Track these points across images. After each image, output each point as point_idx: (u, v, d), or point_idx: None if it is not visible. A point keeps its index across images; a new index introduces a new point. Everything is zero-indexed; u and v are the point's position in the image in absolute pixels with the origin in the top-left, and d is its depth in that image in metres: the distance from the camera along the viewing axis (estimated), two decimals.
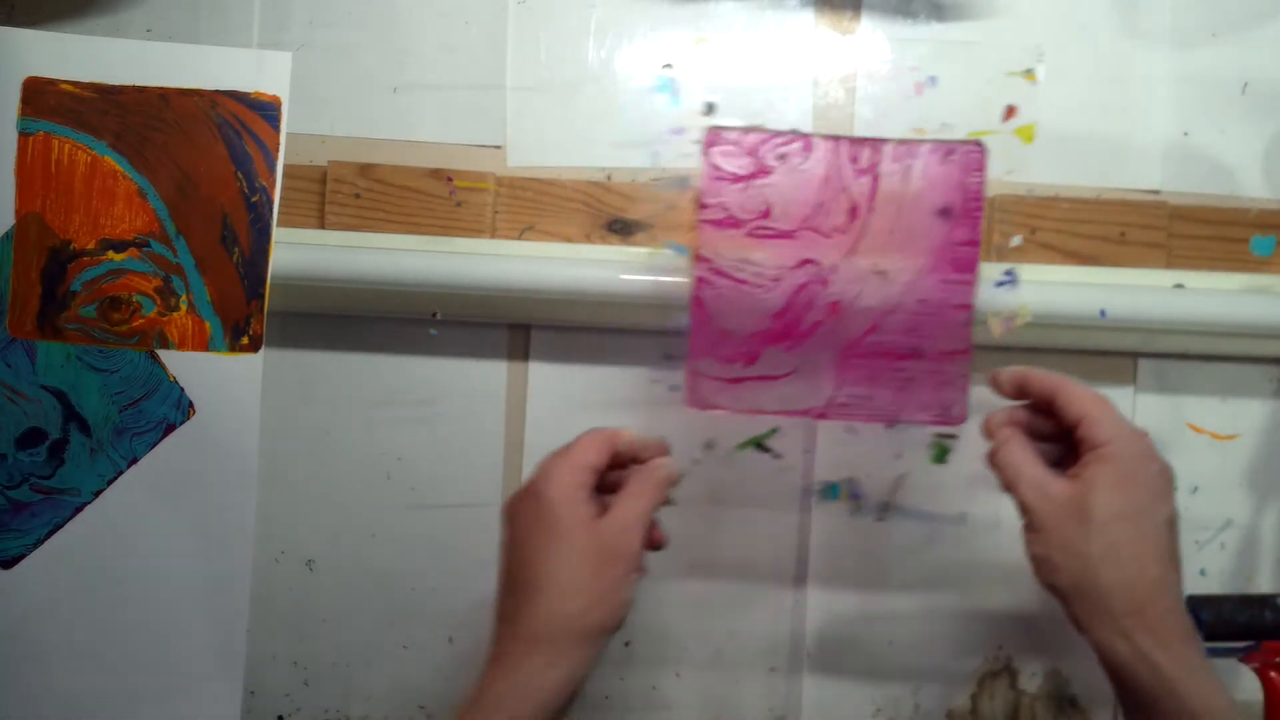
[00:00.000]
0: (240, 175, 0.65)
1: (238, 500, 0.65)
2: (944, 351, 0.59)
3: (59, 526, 0.65)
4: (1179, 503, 0.54)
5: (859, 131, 0.68)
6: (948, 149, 0.58)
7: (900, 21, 0.70)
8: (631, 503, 0.55)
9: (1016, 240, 0.67)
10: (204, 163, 0.65)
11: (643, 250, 0.60)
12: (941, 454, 0.66)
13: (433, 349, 0.71)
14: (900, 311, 0.59)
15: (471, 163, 0.70)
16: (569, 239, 0.69)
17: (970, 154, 0.58)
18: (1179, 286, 0.67)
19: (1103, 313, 0.64)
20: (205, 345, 0.65)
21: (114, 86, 0.65)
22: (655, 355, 0.70)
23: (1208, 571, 0.72)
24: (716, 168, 0.59)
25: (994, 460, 0.55)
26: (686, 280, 0.60)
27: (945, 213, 0.58)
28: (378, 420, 0.71)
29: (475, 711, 0.52)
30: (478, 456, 0.71)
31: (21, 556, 0.65)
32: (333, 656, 0.72)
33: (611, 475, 0.57)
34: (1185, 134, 0.71)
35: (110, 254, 0.65)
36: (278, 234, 0.65)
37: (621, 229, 0.70)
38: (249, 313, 0.65)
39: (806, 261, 0.59)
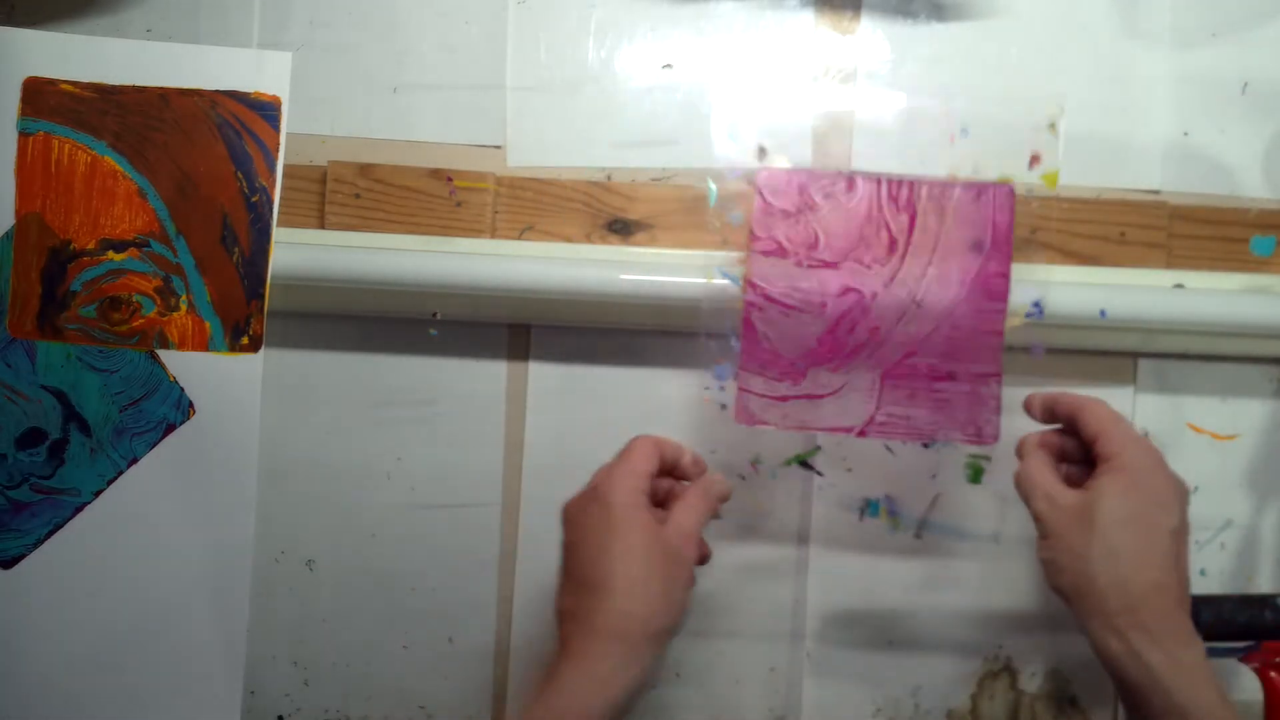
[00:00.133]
0: (240, 175, 0.65)
1: (238, 500, 0.65)
2: (977, 374, 0.63)
3: (59, 526, 0.65)
4: None
5: (861, 137, 0.69)
6: (979, 189, 0.63)
7: (900, 21, 0.70)
8: (690, 513, 0.58)
9: None
10: (204, 163, 0.65)
11: (699, 281, 0.64)
12: (977, 474, 0.68)
13: (433, 349, 0.71)
14: (936, 336, 0.63)
15: (471, 163, 0.70)
16: (569, 239, 0.69)
17: (1000, 194, 0.63)
18: (1179, 286, 0.67)
19: (1103, 313, 0.64)
20: (205, 345, 0.65)
21: (114, 86, 0.65)
22: (656, 356, 0.71)
23: (1208, 571, 0.72)
24: (767, 204, 0.63)
25: (1015, 477, 0.59)
26: (733, 301, 0.64)
27: (977, 246, 0.63)
28: (378, 420, 0.71)
29: (550, 701, 0.53)
30: (478, 456, 0.71)
31: (21, 556, 0.65)
32: (333, 656, 0.72)
33: (656, 482, 0.59)
34: (1185, 134, 0.71)
35: (110, 254, 0.65)
36: (278, 234, 0.65)
37: (621, 229, 0.70)
38: (249, 313, 0.65)
39: (849, 290, 0.63)
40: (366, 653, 0.72)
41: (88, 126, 0.65)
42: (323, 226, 0.69)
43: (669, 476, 0.61)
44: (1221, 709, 0.51)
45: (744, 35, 0.70)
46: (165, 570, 0.66)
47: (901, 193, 0.63)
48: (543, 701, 0.53)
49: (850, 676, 0.72)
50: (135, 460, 0.65)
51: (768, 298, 0.63)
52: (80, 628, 0.65)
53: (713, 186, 0.66)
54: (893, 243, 0.63)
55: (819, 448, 0.70)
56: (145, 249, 0.65)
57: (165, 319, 0.65)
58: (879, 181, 0.64)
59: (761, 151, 0.66)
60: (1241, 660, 0.64)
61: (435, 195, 0.69)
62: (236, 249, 0.65)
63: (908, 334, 0.63)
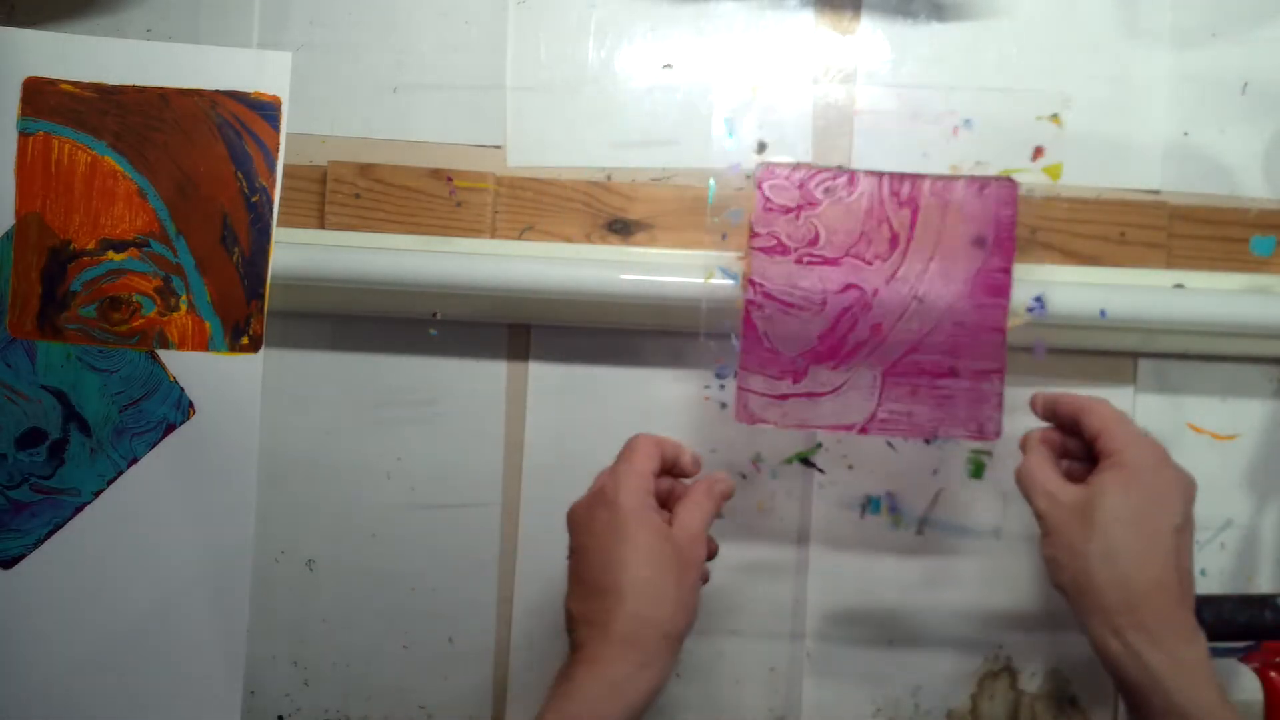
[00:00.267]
0: (240, 175, 0.65)
1: (238, 500, 0.65)
2: (979, 370, 0.63)
3: (59, 526, 0.65)
4: None
5: (861, 136, 0.69)
6: (982, 184, 0.63)
7: (900, 21, 0.70)
8: (696, 512, 0.58)
9: None
10: (204, 163, 0.65)
11: (698, 280, 0.64)
12: (978, 469, 0.68)
13: (433, 349, 0.71)
14: (938, 333, 0.63)
15: (471, 163, 0.70)
16: (569, 239, 0.69)
17: (1003, 189, 0.63)
18: (1179, 286, 0.67)
19: (1103, 313, 0.64)
20: (205, 345, 0.65)
21: (114, 86, 0.65)
22: (656, 356, 0.71)
23: (1208, 571, 0.72)
24: (768, 200, 0.63)
25: (1016, 473, 0.59)
26: (734, 298, 0.63)
27: (980, 242, 0.63)
28: (378, 420, 0.71)
29: (566, 708, 0.53)
30: (478, 456, 0.71)
31: (21, 556, 0.65)
32: (333, 656, 0.72)
33: (656, 482, 0.59)
34: (1185, 134, 0.71)
35: (110, 254, 0.65)
36: (278, 234, 0.65)
37: (621, 229, 0.70)
38: (249, 313, 0.65)
39: (851, 286, 0.63)
40: (366, 653, 0.72)
41: (88, 126, 0.65)
42: (323, 226, 0.69)
43: (668, 475, 0.61)
44: (1222, 709, 0.51)
45: (744, 35, 0.70)
46: (165, 570, 0.66)
47: (903, 188, 0.63)
48: (558, 708, 0.53)
49: (850, 676, 0.72)
50: (135, 460, 0.65)
51: (768, 295, 0.63)
52: (80, 628, 0.65)
53: (712, 184, 0.66)
54: (894, 239, 0.63)
55: (820, 445, 0.70)
56: (145, 249, 0.65)
57: (165, 319, 0.65)
58: (880, 177, 0.63)
59: (761, 147, 0.66)
60: (1241, 660, 0.64)
61: (435, 195, 0.69)
62: (236, 249, 0.65)
63: (909, 330, 0.63)
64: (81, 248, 0.65)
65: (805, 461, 0.70)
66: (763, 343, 0.63)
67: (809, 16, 0.71)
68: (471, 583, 0.72)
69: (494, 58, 0.70)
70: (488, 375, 0.71)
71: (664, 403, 0.70)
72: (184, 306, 0.65)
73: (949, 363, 0.63)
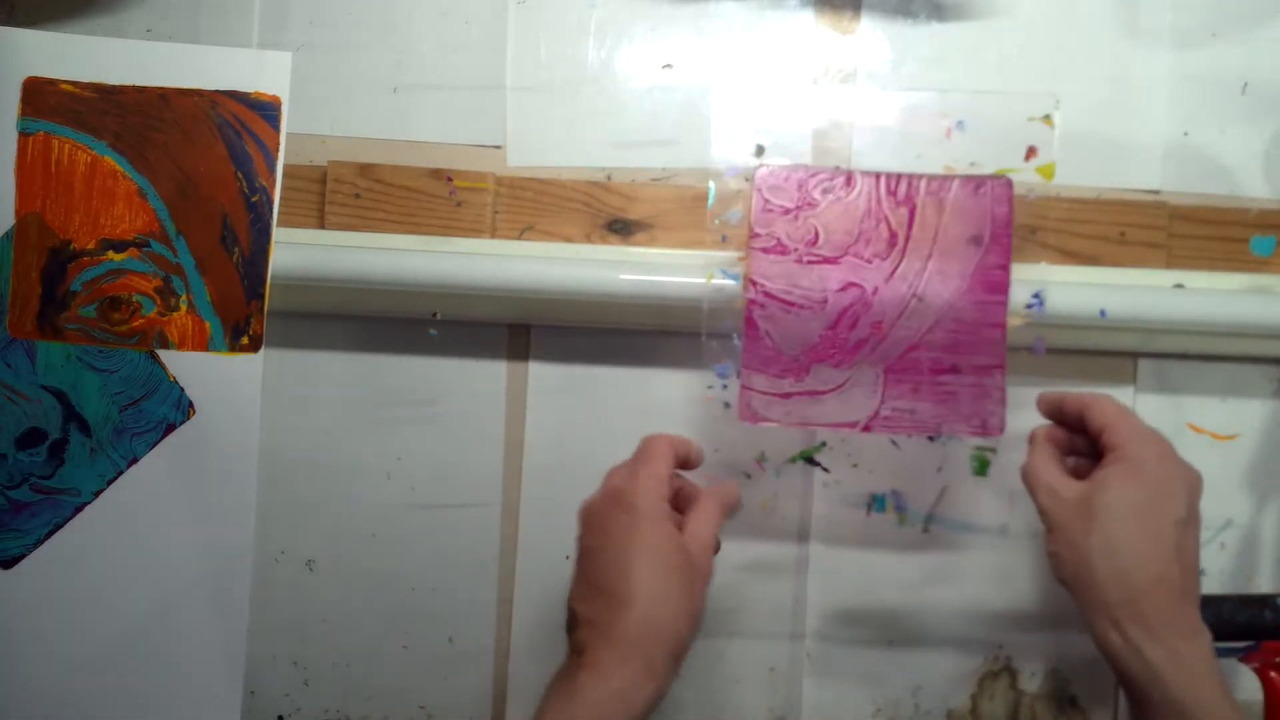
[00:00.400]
0: (240, 175, 0.65)
1: (238, 500, 0.65)
2: (980, 366, 0.63)
3: (59, 526, 0.65)
4: None
5: (861, 136, 0.69)
6: (978, 183, 0.64)
7: (900, 21, 0.71)
8: (708, 524, 0.58)
9: None
10: (204, 163, 0.65)
11: (699, 280, 0.64)
12: (982, 466, 0.68)
13: (433, 349, 0.71)
14: (938, 330, 0.63)
15: (471, 163, 0.70)
16: (569, 239, 0.69)
17: (998, 187, 0.64)
18: (1179, 286, 0.67)
19: (1103, 313, 0.64)
20: (205, 345, 0.65)
21: (114, 86, 0.65)
22: (656, 356, 0.71)
23: (1208, 571, 0.72)
24: (767, 201, 0.64)
25: (1021, 470, 0.59)
26: (736, 299, 0.64)
27: (977, 240, 0.63)
28: (378, 420, 0.71)
29: (570, 711, 0.52)
30: (478, 456, 0.71)
31: (21, 556, 0.65)
32: (333, 656, 0.72)
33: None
34: (1185, 134, 0.71)
35: (110, 254, 0.65)
36: (278, 234, 0.65)
37: (621, 229, 0.70)
38: (249, 313, 0.65)
39: (851, 285, 0.63)
40: (366, 653, 0.72)
41: (88, 126, 0.65)
42: (323, 226, 0.69)
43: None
44: (1222, 705, 0.51)
45: (744, 35, 0.70)
46: (165, 570, 0.66)
47: (900, 187, 0.64)
48: (560, 709, 0.52)
49: (850, 676, 0.72)
50: (135, 460, 0.65)
51: (769, 295, 0.63)
52: (80, 628, 0.65)
53: (712, 186, 0.66)
54: (893, 237, 0.63)
55: (824, 444, 0.70)
56: (145, 249, 0.65)
57: (165, 319, 0.65)
58: (877, 177, 0.64)
59: (760, 150, 0.67)
60: (1241, 660, 0.64)
61: (435, 195, 0.69)
62: (236, 249, 0.65)
63: (910, 328, 0.63)
64: (81, 248, 0.65)
65: (809, 460, 0.70)
66: (764, 342, 0.63)
67: (809, 16, 0.71)
68: (471, 583, 0.72)
69: (494, 58, 0.70)
70: (488, 375, 0.71)
71: (664, 402, 0.70)
72: (184, 306, 0.65)
73: (950, 360, 0.63)
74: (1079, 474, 0.57)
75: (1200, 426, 0.72)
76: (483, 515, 0.71)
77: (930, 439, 0.69)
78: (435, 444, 0.71)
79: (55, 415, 0.65)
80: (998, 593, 0.72)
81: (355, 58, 0.71)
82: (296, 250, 0.65)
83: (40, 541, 0.65)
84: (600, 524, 0.56)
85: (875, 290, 0.63)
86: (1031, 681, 0.72)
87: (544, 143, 0.70)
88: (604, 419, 0.71)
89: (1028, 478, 0.58)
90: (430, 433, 0.71)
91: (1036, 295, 0.63)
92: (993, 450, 0.68)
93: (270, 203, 0.65)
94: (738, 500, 0.61)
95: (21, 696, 0.65)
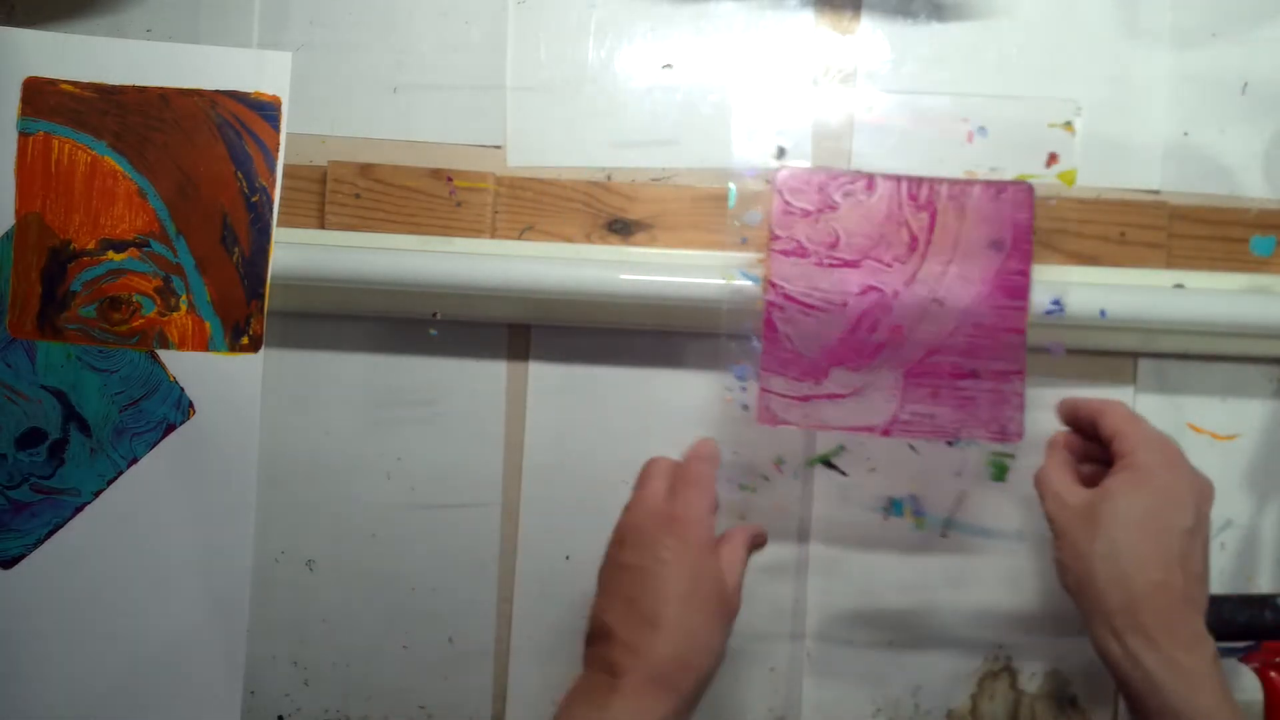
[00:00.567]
0: (240, 175, 0.65)
1: (238, 500, 0.65)
2: (999, 371, 0.63)
3: (59, 526, 0.65)
4: None
5: (861, 136, 0.69)
6: (999, 188, 0.64)
7: (900, 21, 0.70)
8: (738, 556, 0.58)
9: None
10: (204, 163, 0.65)
11: (718, 282, 0.64)
12: (1000, 472, 0.68)
13: (433, 349, 0.71)
14: (958, 335, 0.63)
15: (471, 163, 0.70)
16: (569, 239, 0.69)
17: (1019, 193, 0.63)
18: (1179, 286, 0.67)
19: (1103, 313, 0.64)
20: (205, 345, 0.65)
21: (114, 86, 0.65)
22: (656, 356, 0.71)
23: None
24: (787, 204, 0.64)
25: (1034, 478, 0.59)
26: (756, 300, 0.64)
27: (997, 245, 0.63)
28: (378, 420, 0.71)
29: None
30: (478, 456, 0.71)
31: (21, 556, 0.65)
32: (333, 656, 0.72)
33: None
34: (1185, 134, 0.71)
35: (110, 254, 0.65)
36: (278, 234, 0.65)
37: (621, 229, 0.70)
38: (249, 313, 0.65)
39: (870, 288, 0.63)
40: (366, 653, 0.72)
41: (88, 126, 0.65)
42: (323, 226, 0.69)
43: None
44: (1219, 714, 0.50)
45: (744, 35, 0.70)
46: (165, 570, 0.66)
47: (921, 192, 0.64)
48: None
49: (850, 676, 0.72)
50: (135, 460, 0.65)
51: (788, 297, 0.63)
52: (80, 628, 0.65)
53: (732, 188, 0.66)
54: (913, 241, 0.63)
55: (842, 447, 0.70)
56: (145, 249, 0.65)
57: (165, 319, 0.65)
58: (899, 180, 0.64)
59: (781, 151, 0.67)
60: (1241, 660, 0.64)
61: (435, 195, 0.69)
62: (236, 249, 0.65)
63: (929, 332, 0.63)
64: (81, 248, 0.65)
65: (827, 464, 0.70)
66: (784, 344, 0.63)
67: (809, 16, 0.71)
68: (471, 583, 0.72)
69: (494, 58, 0.70)
70: (488, 375, 0.71)
71: (664, 403, 0.70)
72: (184, 306, 0.65)
73: (969, 364, 0.63)
74: (1094, 481, 0.57)
75: (1200, 426, 0.72)
76: (483, 515, 0.71)
77: (948, 443, 0.69)
78: (435, 444, 0.71)
79: (55, 415, 0.65)
80: (998, 593, 0.72)
81: (355, 58, 0.71)
82: (296, 250, 0.65)
83: (40, 541, 0.65)
84: (650, 544, 0.56)
85: (895, 294, 0.63)
86: (1031, 682, 0.72)
87: (544, 143, 0.70)
88: (604, 419, 0.71)
89: (1038, 484, 0.58)
90: (430, 433, 0.71)
91: (1056, 301, 0.63)
92: (1011, 455, 0.68)
93: (270, 203, 0.65)
94: (765, 539, 0.61)
95: (21, 696, 0.65)
